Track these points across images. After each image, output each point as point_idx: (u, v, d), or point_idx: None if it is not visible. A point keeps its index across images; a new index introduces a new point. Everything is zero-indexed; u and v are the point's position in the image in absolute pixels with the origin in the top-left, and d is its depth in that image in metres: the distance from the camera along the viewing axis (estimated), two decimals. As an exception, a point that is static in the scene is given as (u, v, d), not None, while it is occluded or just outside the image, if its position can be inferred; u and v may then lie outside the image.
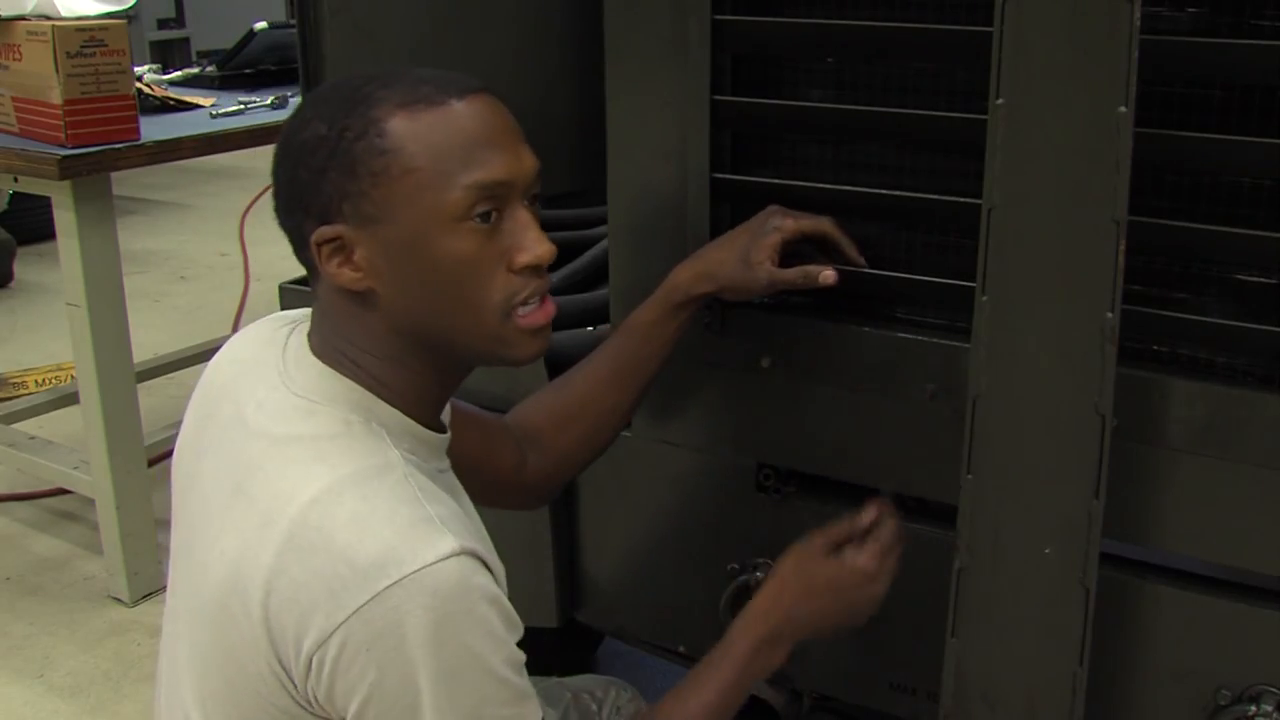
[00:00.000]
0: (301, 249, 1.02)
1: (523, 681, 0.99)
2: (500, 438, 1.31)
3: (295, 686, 0.95)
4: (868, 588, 1.21)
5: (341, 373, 1.02)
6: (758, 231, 1.28)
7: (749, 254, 1.27)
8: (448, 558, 0.93)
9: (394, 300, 1.00)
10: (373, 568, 0.91)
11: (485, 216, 0.99)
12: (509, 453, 1.31)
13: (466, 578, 0.93)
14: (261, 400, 1.03)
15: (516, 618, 0.98)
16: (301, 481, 0.96)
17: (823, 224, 1.28)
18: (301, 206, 1.00)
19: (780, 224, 1.27)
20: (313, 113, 1.00)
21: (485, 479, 1.20)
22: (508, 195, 1.00)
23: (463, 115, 0.99)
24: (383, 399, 1.02)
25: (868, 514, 1.23)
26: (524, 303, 1.02)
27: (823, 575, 1.21)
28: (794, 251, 1.28)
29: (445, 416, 1.14)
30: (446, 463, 1.11)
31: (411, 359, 1.03)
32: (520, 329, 1.02)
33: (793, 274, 1.26)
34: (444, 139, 0.98)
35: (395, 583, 0.91)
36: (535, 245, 1.01)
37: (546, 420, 1.34)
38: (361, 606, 0.91)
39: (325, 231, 0.99)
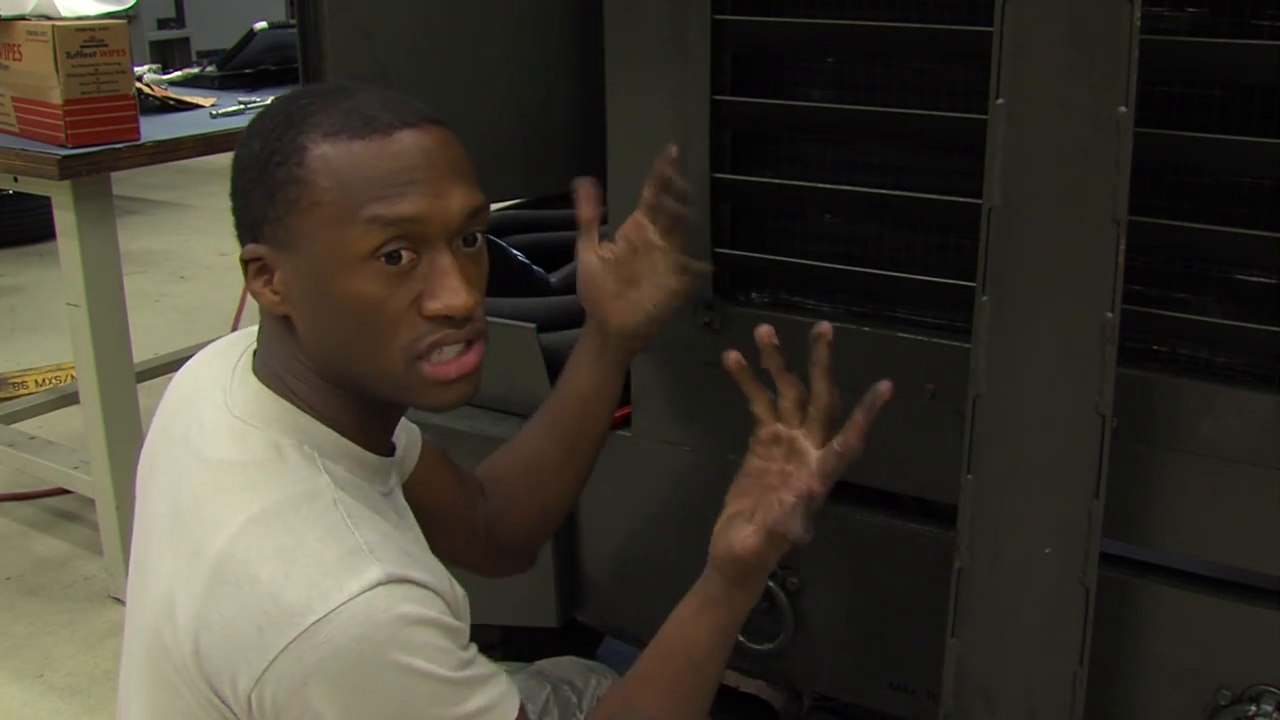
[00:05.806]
0: None
1: (481, 670, 0.96)
2: (468, 488, 1.29)
3: (237, 718, 0.93)
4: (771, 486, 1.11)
5: (278, 393, 1.00)
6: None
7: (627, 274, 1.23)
8: (374, 587, 0.89)
9: (306, 330, 0.98)
10: (298, 603, 0.89)
11: (392, 257, 0.93)
12: (473, 505, 1.29)
13: (394, 605, 0.90)
14: (203, 420, 1.01)
15: (455, 624, 0.95)
16: (229, 511, 0.94)
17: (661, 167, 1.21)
18: (238, 221, 1.00)
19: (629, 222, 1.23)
20: (255, 128, 0.99)
21: (441, 525, 1.19)
22: (424, 235, 0.94)
23: (385, 148, 0.93)
24: (319, 420, 1.00)
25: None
26: (430, 351, 0.96)
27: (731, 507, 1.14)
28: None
29: (400, 440, 1.13)
30: (392, 484, 1.08)
31: (337, 387, 1.00)
32: (427, 378, 0.97)
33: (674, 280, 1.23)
34: (358, 173, 0.93)
35: (321, 618, 0.88)
36: (448, 294, 0.94)
37: (520, 480, 1.30)
38: (290, 644, 0.88)
39: (251, 250, 0.98)
